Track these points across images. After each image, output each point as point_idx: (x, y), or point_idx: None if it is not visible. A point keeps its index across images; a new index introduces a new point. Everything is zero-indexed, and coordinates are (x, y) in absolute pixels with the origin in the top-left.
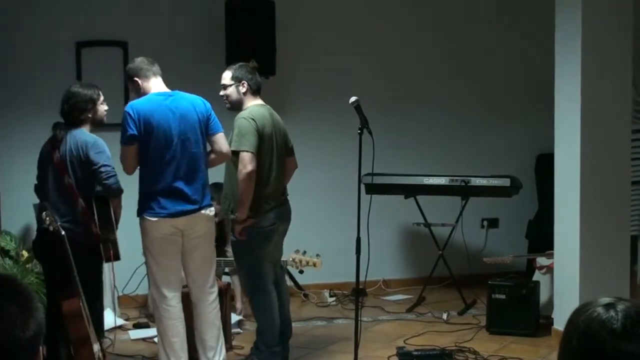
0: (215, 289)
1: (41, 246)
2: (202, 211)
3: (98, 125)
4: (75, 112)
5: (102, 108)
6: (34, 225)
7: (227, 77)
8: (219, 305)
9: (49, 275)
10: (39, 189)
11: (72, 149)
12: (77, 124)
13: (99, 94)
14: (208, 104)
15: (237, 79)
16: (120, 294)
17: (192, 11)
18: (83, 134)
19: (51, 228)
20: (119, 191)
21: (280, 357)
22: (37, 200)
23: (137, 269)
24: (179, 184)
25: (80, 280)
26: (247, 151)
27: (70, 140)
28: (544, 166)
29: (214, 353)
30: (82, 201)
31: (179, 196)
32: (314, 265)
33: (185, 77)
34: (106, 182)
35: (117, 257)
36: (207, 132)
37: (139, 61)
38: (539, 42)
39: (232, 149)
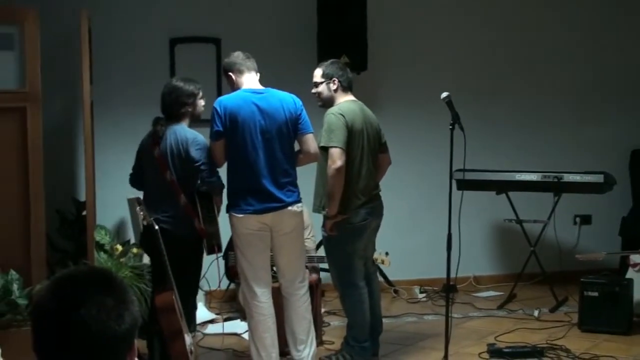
0: (306, 283)
1: (146, 241)
2: (289, 207)
3: (196, 120)
4: (176, 105)
5: (201, 103)
6: (128, 220)
7: (318, 74)
8: (309, 299)
9: (152, 270)
10: (135, 179)
11: (172, 145)
12: (177, 118)
13: (199, 89)
14: (299, 103)
15: (327, 76)
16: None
17: (284, 7)
18: (183, 130)
19: (145, 222)
20: (221, 187)
21: (370, 352)
22: (131, 194)
23: (211, 263)
24: (265, 182)
25: (180, 274)
26: (336, 147)
27: (170, 136)
28: (639, 162)
29: (305, 346)
30: (185, 197)
31: (265, 194)
32: (382, 262)
33: (277, 74)
34: (209, 179)
35: (220, 249)
36: (296, 131)
37: (235, 56)
38: (634, 33)
39: (322, 144)
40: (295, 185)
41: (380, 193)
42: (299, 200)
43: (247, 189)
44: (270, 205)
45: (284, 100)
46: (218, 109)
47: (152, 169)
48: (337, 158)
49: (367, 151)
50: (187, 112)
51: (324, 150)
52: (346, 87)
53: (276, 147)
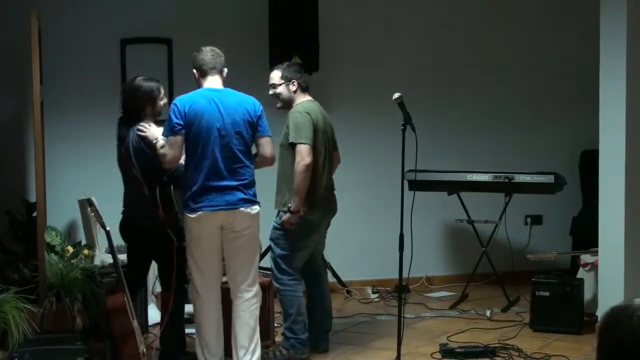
0: (254, 288)
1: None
2: (242, 208)
3: (157, 118)
4: (135, 104)
5: (161, 103)
6: (79, 221)
7: (276, 76)
8: (256, 305)
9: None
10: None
11: (134, 142)
12: (138, 117)
13: (159, 89)
14: (260, 106)
15: (287, 78)
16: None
17: (236, 8)
18: None
19: (98, 224)
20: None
21: (307, 345)
22: (82, 195)
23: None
24: (219, 179)
25: (160, 264)
26: (304, 143)
27: (132, 134)
28: (589, 162)
29: (245, 352)
30: (147, 190)
31: (221, 192)
32: None
33: (229, 75)
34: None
35: (178, 240)
36: (254, 133)
37: (204, 53)
38: (584, 37)
39: (290, 141)
40: (252, 185)
41: (335, 192)
42: (255, 202)
43: (202, 186)
44: (227, 199)
45: (245, 100)
46: (178, 105)
47: (123, 168)
48: (306, 155)
49: (327, 150)
50: (148, 111)
51: (292, 147)
52: (305, 88)
53: (233, 144)
